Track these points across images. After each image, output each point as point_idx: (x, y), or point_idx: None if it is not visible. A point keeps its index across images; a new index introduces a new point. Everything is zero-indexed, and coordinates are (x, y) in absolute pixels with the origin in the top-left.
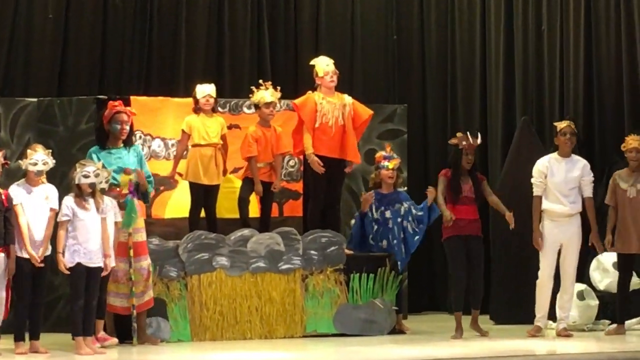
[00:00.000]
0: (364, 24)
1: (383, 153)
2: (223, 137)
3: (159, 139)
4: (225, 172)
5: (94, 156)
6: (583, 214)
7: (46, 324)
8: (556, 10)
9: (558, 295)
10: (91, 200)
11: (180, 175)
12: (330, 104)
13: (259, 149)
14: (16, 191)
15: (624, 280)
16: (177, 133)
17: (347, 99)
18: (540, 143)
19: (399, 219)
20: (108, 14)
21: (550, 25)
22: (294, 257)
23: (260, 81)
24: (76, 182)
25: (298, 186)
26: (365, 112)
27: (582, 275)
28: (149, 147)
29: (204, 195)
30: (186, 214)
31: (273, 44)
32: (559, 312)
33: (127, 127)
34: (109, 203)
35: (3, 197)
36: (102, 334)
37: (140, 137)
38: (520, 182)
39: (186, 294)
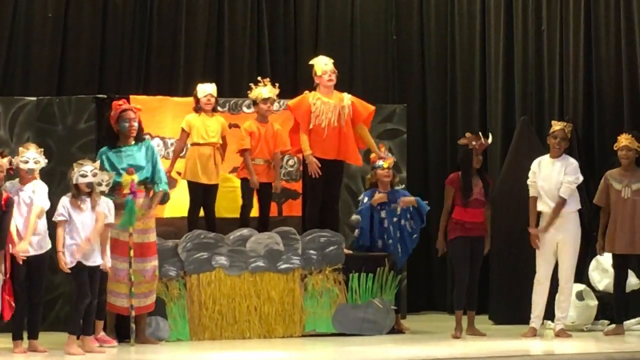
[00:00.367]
0: (364, 24)
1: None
2: (223, 137)
3: (158, 138)
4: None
5: (103, 157)
6: (582, 214)
7: (45, 323)
8: (556, 11)
9: (556, 296)
10: (87, 200)
11: (179, 174)
12: (326, 105)
13: (253, 144)
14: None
15: (619, 280)
16: (176, 132)
17: (347, 99)
18: (540, 143)
19: (395, 219)
20: (107, 13)
21: (549, 26)
22: (293, 257)
23: (259, 78)
24: (74, 181)
25: (297, 186)
26: (365, 109)
27: (582, 275)
28: None
29: (202, 195)
30: (185, 214)
31: (273, 44)
32: (556, 313)
33: (135, 124)
34: (104, 204)
35: (2, 201)
36: (102, 334)
37: None
38: (519, 182)
39: (185, 293)
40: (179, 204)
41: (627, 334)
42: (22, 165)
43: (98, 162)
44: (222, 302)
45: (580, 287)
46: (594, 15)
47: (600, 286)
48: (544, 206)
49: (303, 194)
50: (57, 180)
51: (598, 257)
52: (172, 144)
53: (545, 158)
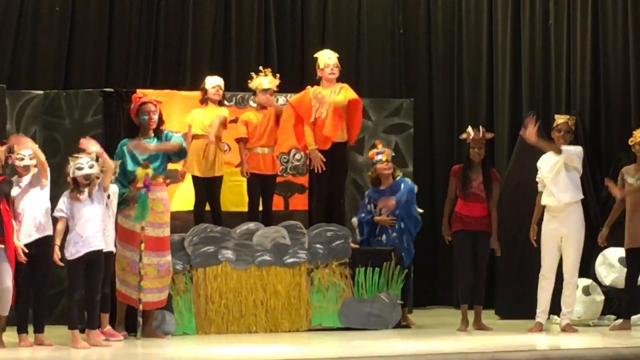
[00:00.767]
0: (371, 18)
1: (375, 150)
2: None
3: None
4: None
5: (123, 148)
6: (585, 209)
7: (51, 316)
8: (563, 5)
9: (562, 291)
10: (86, 191)
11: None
12: (323, 96)
13: (248, 132)
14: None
15: (632, 275)
16: (182, 126)
17: (343, 96)
18: (547, 138)
19: (397, 211)
20: (114, 7)
21: (557, 20)
22: (299, 251)
23: (260, 67)
24: (71, 175)
25: (304, 180)
26: (355, 111)
27: (588, 270)
28: None
29: (206, 187)
30: (192, 207)
31: (280, 38)
32: (562, 308)
33: (156, 117)
34: (99, 192)
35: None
36: (108, 328)
37: None
38: (526, 177)
39: (191, 287)
40: (184, 198)
41: (633, 329)
42: (17, 163)
43: (94, 153)
44: (229, 296)
45: (587, 282)
46: (601, 9)
47: (607, 281)
48: (547, 198)
49: (309, 188)
50: (64, 175)
51: (604, 252)
52: None
53: (550, 153)
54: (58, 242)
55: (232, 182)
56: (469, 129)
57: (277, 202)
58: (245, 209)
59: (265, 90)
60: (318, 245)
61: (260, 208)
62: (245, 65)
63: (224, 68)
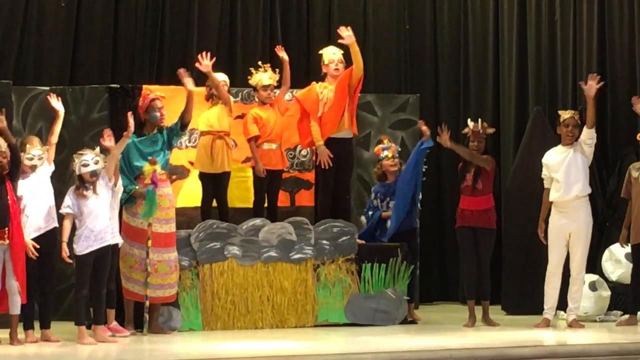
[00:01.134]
0: (377, 14)
1: (380, 145)
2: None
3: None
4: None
5: (131, 144)
6: (592, 204)
7: (58, 312)
8: (569, 1)
9: (569, 286)
10: (91, 187)
11: (192, 164)
12: (331, 92)
13: (259, 129)
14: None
15: (638, 271)
16: None
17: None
18: (553, 133)
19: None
20: (120, 3)
21: (563, 16)
22: (305, 247)
23: (259, 62)
24: (77, 172)
25: (310, 176)
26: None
27: (595, 266)
28: None
29: (212, 183)
30: (198, 203)
31: (285, 34)
32: (569, 303)
33: (164, 113)
34: (103, 183)
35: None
36: (114, 324)
37: None
38: (532, 172)
39: (198, 283)
40: (191, 194)
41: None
42: (26, 162)
43: (98, 148)
44: (235, 292)
45: (594, 277)
46: (607, 5)
47: (614, 277)
48: (556, 194)
49: (315, 184)
50: (70, 172)
51: (611, 247)
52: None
53: (557, 149)
54: (65, 238)
55: (238, 178)
56: (469, 122)
57: (283, 198)
58: (251, 205)
59: (266, 87)
60: (324, 241)
61: (266, 204)
62: (250, 61)
63: (230, 64)
